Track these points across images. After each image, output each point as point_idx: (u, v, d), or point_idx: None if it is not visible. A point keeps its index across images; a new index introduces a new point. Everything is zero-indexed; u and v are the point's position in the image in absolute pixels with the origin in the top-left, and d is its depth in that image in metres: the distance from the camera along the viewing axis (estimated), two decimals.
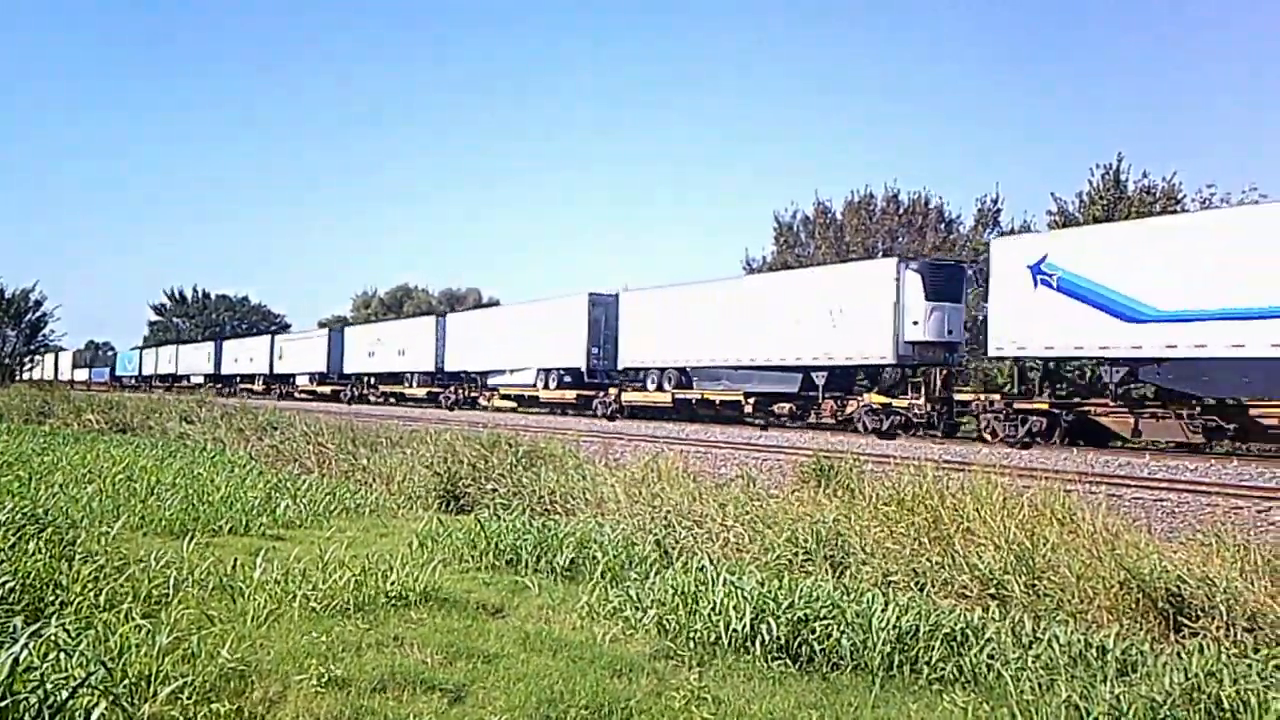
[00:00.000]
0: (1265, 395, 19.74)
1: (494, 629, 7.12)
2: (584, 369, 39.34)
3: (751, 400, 31.22)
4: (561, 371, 41.14)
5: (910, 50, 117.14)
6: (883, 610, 6.77)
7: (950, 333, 26.46)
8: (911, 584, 8.07)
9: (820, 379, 28.68)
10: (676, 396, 34.37)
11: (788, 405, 30.67)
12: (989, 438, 24.43)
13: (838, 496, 10.61)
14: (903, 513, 9.20)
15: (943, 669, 6.23)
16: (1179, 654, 6.00)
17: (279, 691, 5.61)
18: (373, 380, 58.45)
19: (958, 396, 26.82)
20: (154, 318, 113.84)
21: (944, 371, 27.35)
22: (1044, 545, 7.90)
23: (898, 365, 27.18)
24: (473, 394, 47.96)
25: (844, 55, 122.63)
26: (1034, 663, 6.07)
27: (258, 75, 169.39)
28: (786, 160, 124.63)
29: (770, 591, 7.12)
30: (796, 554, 8.92)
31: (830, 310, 28.06)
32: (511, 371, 44.49)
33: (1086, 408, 23.61)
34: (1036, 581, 7.52)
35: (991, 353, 25.41)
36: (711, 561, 8.47)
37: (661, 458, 13.42)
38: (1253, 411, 20.28)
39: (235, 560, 8.38)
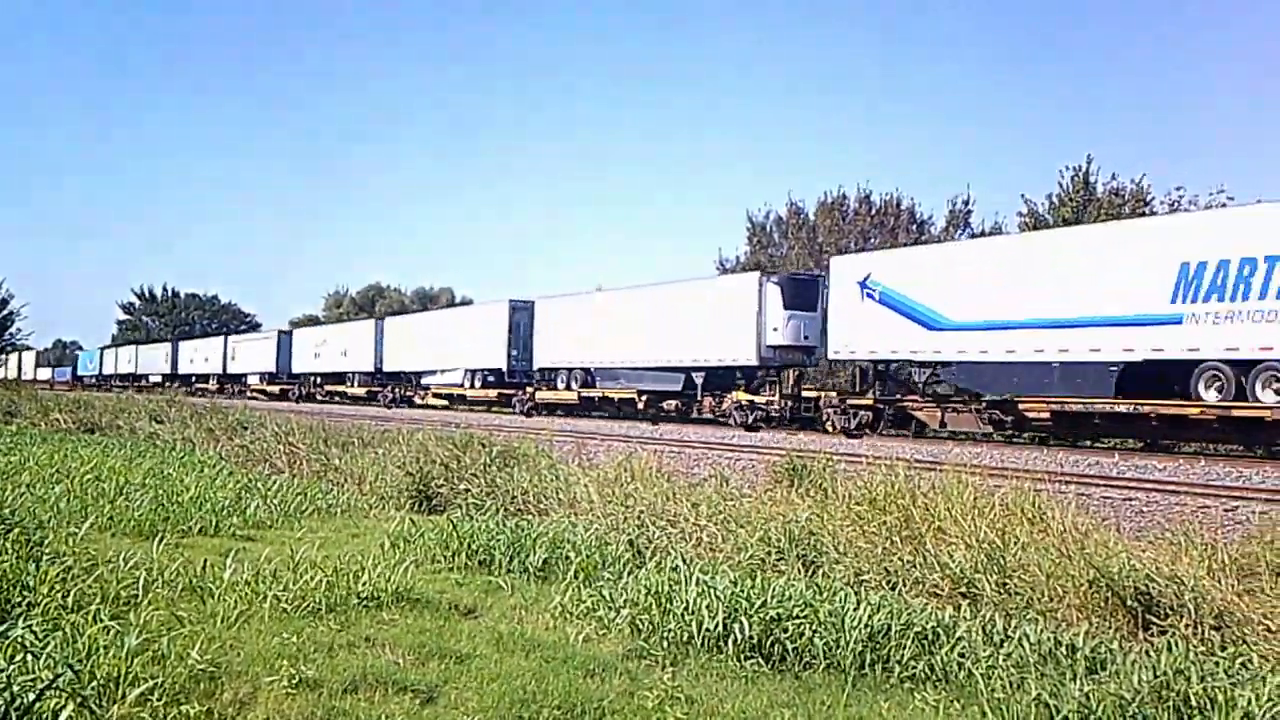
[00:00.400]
0: (1030, 393, 23.30)
1: (466, 629, 7.10)
2: (505, 369, 42.55)
3: (644, 398, 34.60)
4: (486, 372, 44.27)
5: (887, 52, 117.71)
6: (855, 609, 6.79)
7: (806, 338, 30.22)
8: (883, 583, 8.10)
9: (699, 379, 32.24)
10: (581, 394, 37.79)
11: (674, 402, 34.06)
12: (830, 429, 27.97)
13: (810, 496, 10.64)
14: (875, 512, 9.24)
15: (914, 667, 6.26)
16: (1148, 652, 6.05)
17: (249, 693, 5.57)
18: (318, 380, 60.78)
19: (806, 394, 30.75)
20: (123, 316, 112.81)
21: (796, 372, 31.28)
22: (1014, 544, 7.95)
23: (761, 366, 30.56)
24: (408, 393, 50.50)
25: (821, 56, 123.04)
26: (1004, 661, 6.11)
27: (231, 74, 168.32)
28: (761, 161, 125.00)
29: (743, 591, 7.13)
30: (769, 553, 8.94)
31: (706, 318, 31.43)
32: (443, 372, 47.42)
33: (905, 403, 27.38)
34: (1007, 580, 7.56)
35: (830, 356, 29.73)
36: (685, 561, 8.48)
37: (635, 457, 13.42)
38: (1021, 406, 23.66)
39: (205, 561, 8.31)
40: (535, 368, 40.50)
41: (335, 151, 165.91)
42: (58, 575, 7.36)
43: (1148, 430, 22.34)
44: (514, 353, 42.18)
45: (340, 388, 58.20)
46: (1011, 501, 9.09)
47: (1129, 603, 6.95)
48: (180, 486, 13.41)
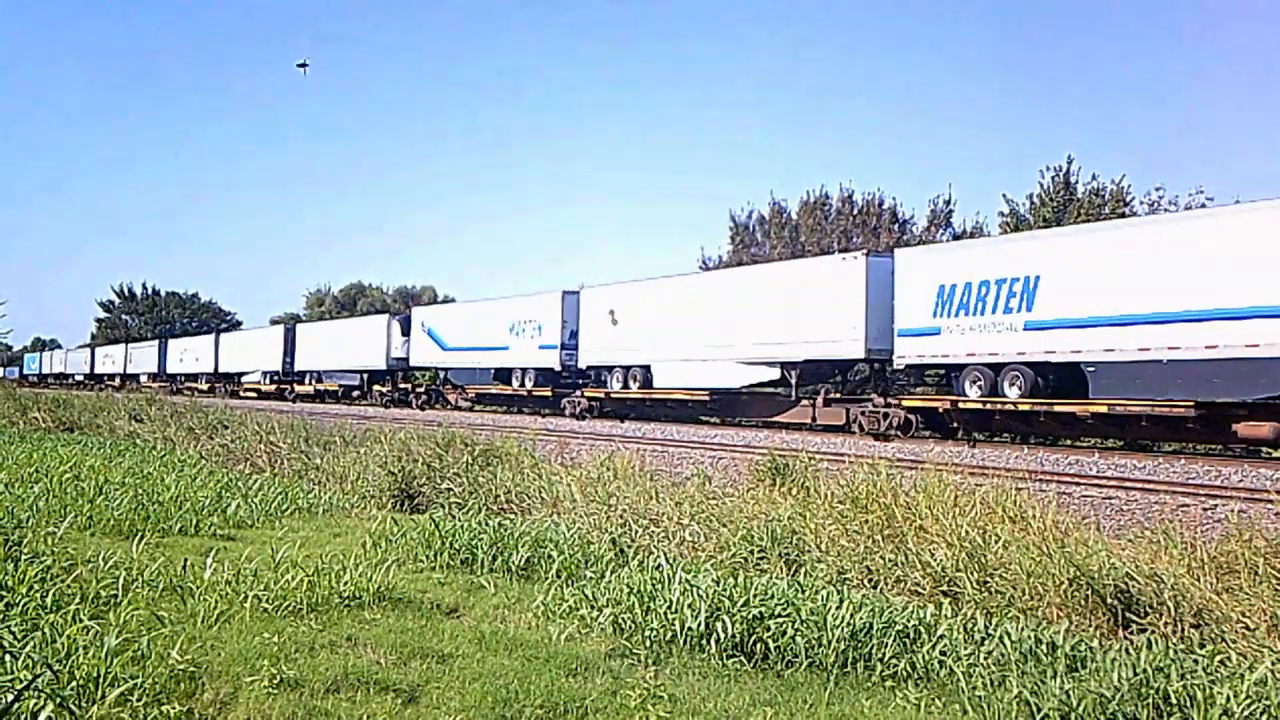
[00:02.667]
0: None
1: (449, 629, 7.09)
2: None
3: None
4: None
5: (869, 52, 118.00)
6: (837, 607, 6.81)
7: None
8: (865, 581, 8.13)
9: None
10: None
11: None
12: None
13: (793, 495, 10.66)
14: (857, 511, 9.27)
15: (896, 665, 6.28)
16: (1127, 650, 6.08)
17: (230, 693, 5.55)
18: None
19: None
20: (102, 315, 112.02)
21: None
22: (995, 543, 7.98)
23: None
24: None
25: (804, 56, 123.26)
26: (985, 659, 6.13)
27: (211, 74, 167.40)
28: (744, 161, 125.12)
29: (726, 589, 7.14)
30: (752, 552, 8.96)
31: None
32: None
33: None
34: (988, 578, 7.60)
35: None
36: (667, 560, 8.49)
37: (617, 456, 13.42)
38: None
39: (186, 561, 8.27)
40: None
41: (314, 152, 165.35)
42: (36, 575, 7.31)
43: None
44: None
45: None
46: (992, 500, 9.13)
47: (1109, 601, 6.99)
48: (160, 486, 13.34)
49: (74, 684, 5.15)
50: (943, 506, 8.88)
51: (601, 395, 35.02)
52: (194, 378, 69.70)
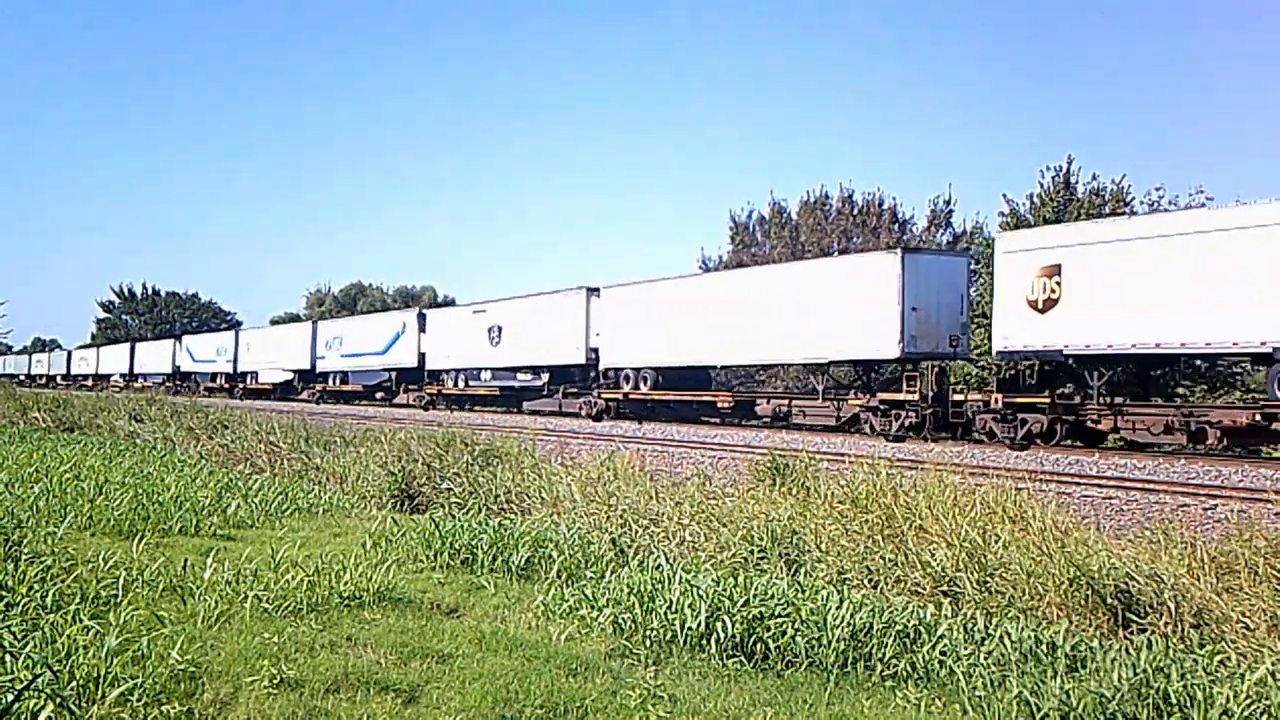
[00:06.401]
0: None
1: (449, 629, 7.09)
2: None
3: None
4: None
5: (869, 51, 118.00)
6: (837, 608, 6.81)
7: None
8: (865, 581, 8.13)
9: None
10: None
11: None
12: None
13: (792, 495, 10.66)
14: (857, 511, 9.26)
15: (896, 665, 6.29)
16: (1127, 649, 6.08)
17: (230, 693, 5.55)
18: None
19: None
20: (102, 315, 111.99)
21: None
22: (995, 543, 7.98)
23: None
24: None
25: (803, 56, 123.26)
26: (985, 659, 6.13)
27: (211, 75, 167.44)
28: (744, 160, 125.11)
29: (726, 589, 7.15)
30: (752, 552, 8.95)
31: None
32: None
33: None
34: (988, 578, 7.60)
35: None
36: (667, 560, 8.50)
37: (617, 456, 13.42)
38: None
39: (186, 561, 8.28)
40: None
41: (314, 151, 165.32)
42: (36, 575, 7.32)
43: None
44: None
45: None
46: (992, 500, 9.12)
47: (1109, 601, 6.99)
48: (160, 486, 13.33)
49: (74, 684, 5.16)
50: (943, 506, 8.88)
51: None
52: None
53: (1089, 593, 7.08)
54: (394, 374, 48.67)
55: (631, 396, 33.74)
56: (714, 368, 32.17)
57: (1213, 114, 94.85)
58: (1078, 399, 22.03)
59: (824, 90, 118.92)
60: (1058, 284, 21.21)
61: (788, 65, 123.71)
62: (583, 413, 35.83)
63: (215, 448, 19.95)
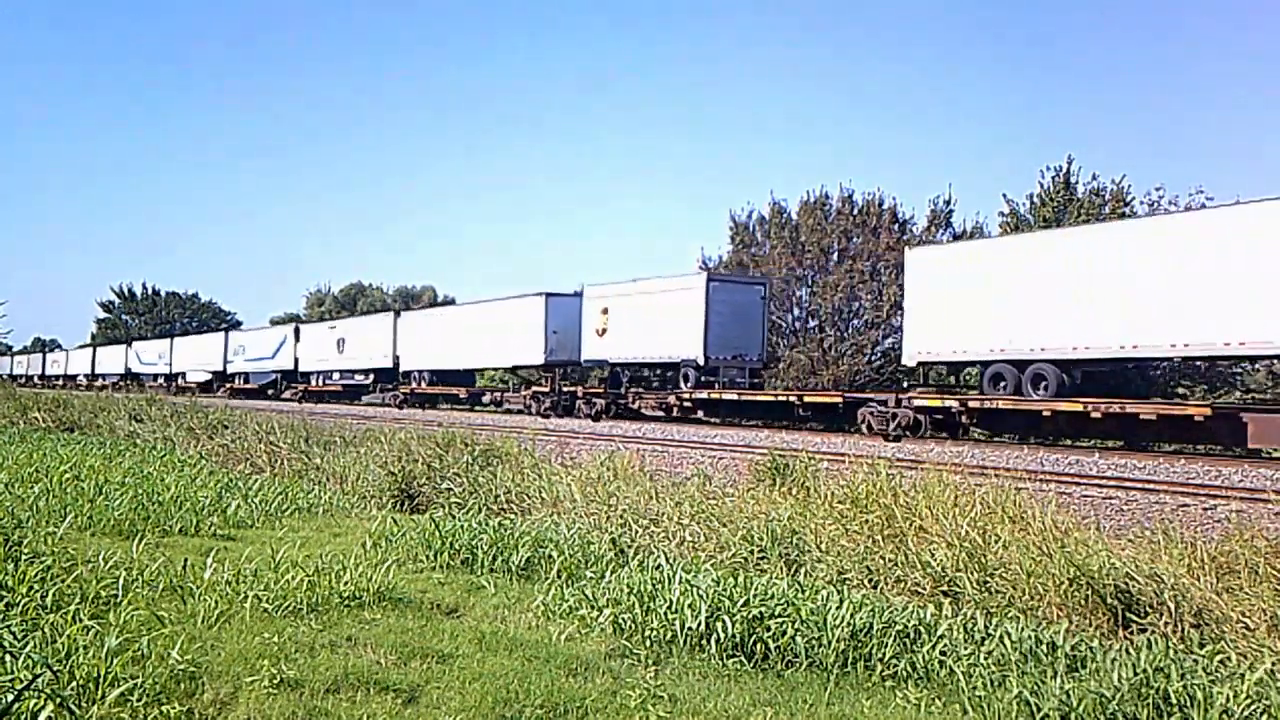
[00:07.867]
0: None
1: (449, 629, 7.09)
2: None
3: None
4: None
5: (869, 51, 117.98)
6: (837, 608, 6.81)
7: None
8: (865, 581, 8.13)
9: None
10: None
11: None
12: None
13: (792, 494, 10.66)
14: (857, 511, 9.26)
15: (896, 665, 6.29)
16: (1127, 649, 6.08)
17: (230, 693, 5.55)
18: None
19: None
20: (102, 315, 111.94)
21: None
22: (995, 543, 7.98)
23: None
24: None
25: (803, 56, 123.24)
26: (985, 659, 6.13)
27: (212, 74, 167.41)
28: (744, 160, 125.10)
29: (726, 589, 7.15)
30: (752, 552, 8.95)
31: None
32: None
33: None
34: (988, 578, 7.60)
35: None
36: (667, 560, 8.50)
37: (617, 456, 13.42)
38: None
39: (186, 561, 8.27)
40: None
41: (314, 152, 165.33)
42: (36, 575, 7.31)
43: None
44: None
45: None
46: (992, 500, 9.12)
47: (1109, 601, 6.99)
48: (160, 486, 13.32)
49: (74, 684, 5.16)
50: (943, 506, 8.88)
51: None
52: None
53: (1089, 593, 7.08)
54: (279, 375, 59.68)
55: (417, 391, 46.72)
56: (462, 370, 44.98)
57: (1213, 114, 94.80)
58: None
59: (824, 90, 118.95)
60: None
61: (788, 65, 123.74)
62: (580, 414, 36.78)
63: (215, 448, 19.95)
